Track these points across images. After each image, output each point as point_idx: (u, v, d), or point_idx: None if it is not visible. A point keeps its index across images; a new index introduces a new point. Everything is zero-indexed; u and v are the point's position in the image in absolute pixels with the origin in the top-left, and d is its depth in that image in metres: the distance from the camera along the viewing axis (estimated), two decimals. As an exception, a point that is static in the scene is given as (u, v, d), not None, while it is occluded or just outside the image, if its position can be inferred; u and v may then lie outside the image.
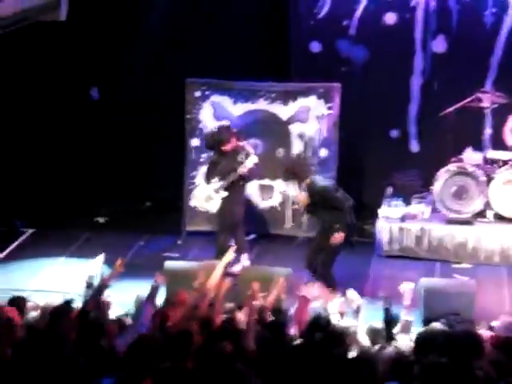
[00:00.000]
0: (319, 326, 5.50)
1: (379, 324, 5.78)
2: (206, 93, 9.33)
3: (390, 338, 5.61)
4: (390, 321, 5.84)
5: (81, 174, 10.13)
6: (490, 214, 8.73)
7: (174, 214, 9.41)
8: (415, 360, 4.91)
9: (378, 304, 6.50)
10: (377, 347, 5.42)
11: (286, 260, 8.06)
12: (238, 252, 7.70)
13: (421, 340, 5.21)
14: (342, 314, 6.01)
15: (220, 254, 7.28)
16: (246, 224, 8.56)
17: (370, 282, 8.05)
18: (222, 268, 6.34)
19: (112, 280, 6.05)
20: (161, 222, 9.59)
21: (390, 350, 5.18)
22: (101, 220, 9.83)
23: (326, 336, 5.29)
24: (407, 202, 9.12)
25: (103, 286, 5.97)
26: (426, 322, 6.74)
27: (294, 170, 7.71)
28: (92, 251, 7.87)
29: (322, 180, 7.80)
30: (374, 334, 5.68)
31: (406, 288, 6.22)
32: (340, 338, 5.29)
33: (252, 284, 5.96)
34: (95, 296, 5.90)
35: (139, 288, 6.65)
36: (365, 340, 5.63)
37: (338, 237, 7.50)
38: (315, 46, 9.66)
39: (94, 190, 9.99)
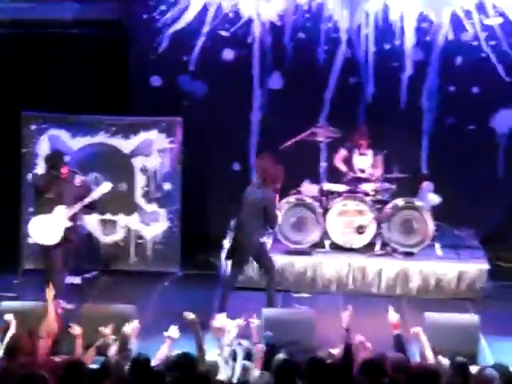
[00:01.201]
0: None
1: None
2: (43, 126, 9.20)
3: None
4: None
5: None
6: (326, 244, 9.02)
7: (10, 252, 9.13)
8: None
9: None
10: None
11: (130, 296, 8.03)
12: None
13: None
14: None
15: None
16: (90, 260, 8.44)
17: (214, 314, 8.09)
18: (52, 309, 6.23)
19: None
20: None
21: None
22: None
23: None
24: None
25: None
26: (271, 352, 6.89)
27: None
28: None
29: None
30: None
31: (254, 323, 6.36)
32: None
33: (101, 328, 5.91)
34: None
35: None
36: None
37: None
38: (156, 81, 9.73)
39: None
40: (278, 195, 8.07)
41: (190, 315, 6.18)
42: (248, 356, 6.06)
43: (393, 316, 6.26)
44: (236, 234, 8.04)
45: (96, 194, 8.10)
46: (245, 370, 5.76)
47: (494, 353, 7.24)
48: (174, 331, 6.15)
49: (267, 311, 7.52)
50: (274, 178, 7.95)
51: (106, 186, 8.18)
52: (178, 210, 9.26)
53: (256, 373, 5.72)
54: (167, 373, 5.37)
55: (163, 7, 9.56)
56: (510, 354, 7.00)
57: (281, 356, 5.85)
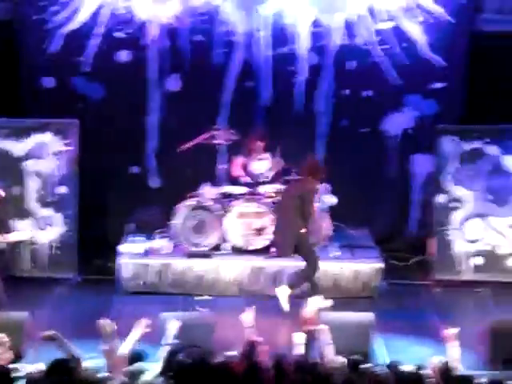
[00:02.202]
0: None
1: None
2: None
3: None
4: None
5: None
6: (226, 246, 9.04)
7: None
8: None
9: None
10: None
11: (25, 303, 7.78)
12: None
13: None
14: None
15: None
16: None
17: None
18: None
19: None
20: None
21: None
22: None
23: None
24: (149, 238, 9.19)
25: None
26: (170, 355, 6.86)
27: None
28: None
29: None
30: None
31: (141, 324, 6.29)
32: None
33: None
34: None
35: None
36: None
37: None
38: (48, 82, 9.53)
39: None
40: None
41: (46, 333, 6.00)
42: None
43: (311, 308, 6.25)
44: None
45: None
46: (137, 372, 5.72)
47: (388, 350, 7.39)
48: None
49: (166, 315, 7.49)
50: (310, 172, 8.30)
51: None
52: (74, 214, 9.09)
53: (150, 376, 5.67)
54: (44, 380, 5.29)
55: (55, 8, 9.34)
56: (404, 351, 7.23)
57: (180, 358, 5.86)
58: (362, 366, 5.82)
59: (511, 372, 6.79)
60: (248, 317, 6.30)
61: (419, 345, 7.41)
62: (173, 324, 6.57)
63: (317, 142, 9.83)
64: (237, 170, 9.27)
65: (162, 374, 5.73)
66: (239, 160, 9.28)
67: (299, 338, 6.24)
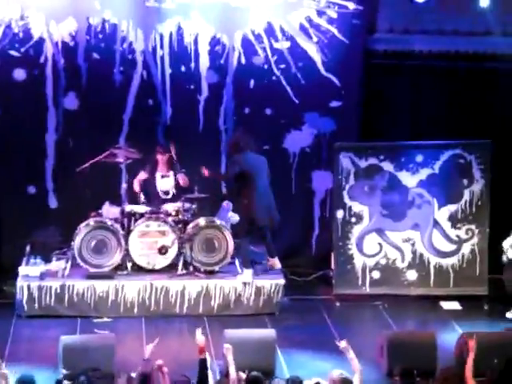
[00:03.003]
0: None
1: None
2: None
3: None
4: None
5: None
6: (128, 266, 8.92)
7: None
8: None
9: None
10: None
11: None
12: None
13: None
14: None
15: None
16: None
17: (8, 344, 7.79)
18: None
19: None
20: None
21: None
22: None
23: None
24: (47, 260, 8.99)
25: None
26: (67, 378, 6.72)
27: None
28: None
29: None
30: None
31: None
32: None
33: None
34: None
35: None
36: None
37: None
38: None
39: None
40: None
41: None
42: None
43: (200, 338, 6.23)
44: None
45: None
46: None
47: (289, 366, 7.46)
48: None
49: (65, 338, 7.34)
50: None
51: None
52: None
53: None
54: None
55: None
56: (305, 366, 7.30)
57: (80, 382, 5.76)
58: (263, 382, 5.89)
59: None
60: (152, 346, 6.22)
61: (320, 359, 7.50)
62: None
63: (221, 159, 9.85)
64: (136, 186, 9.20)
65: None
66: (142, 176, 9.21)
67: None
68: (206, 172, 8.91)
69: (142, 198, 9.18)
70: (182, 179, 9.14)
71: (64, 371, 6.90)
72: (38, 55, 9.38)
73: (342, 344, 6.23)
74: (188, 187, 9.15)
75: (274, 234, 9.37)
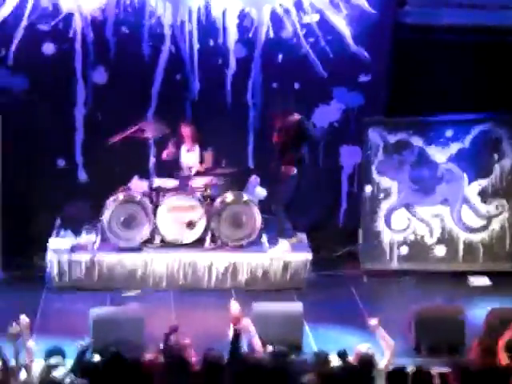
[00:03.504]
0: None
1: None
2: None
3: None
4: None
5: None
6: (157, 240, 8.97)
7: None
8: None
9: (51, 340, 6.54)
10: None
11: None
12: None
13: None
14: None
15: None
16: None
17: (38, 317, 7.88)
18: None
19: None
20: None
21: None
22: None
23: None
24: (77, 233, 9.07)
25: None
26: (98, 351, 6.80)
27: None
28: None
29: None
30: None
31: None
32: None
33: None
34: None
35: None
36: None
37: None
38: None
39: None
40: None
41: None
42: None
43: (235, 308, 6.26)
44: None
45: None
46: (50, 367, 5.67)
47: (317, 340, 7.51)
48: None
49: (95, 310, 7.43)
50: None
51: None
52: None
53: (61, 372, 5.63)
54: None
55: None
56: (332, 341, 7.31)
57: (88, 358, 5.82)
58: (291, 356, 5.92)
59: (436, 359, 7.01)
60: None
61: (347, 334, 7.52)
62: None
63: (248, 135, 9.85)
64: (165, 156, 9.20)
65: (71, 371, 5.70)
66: (170, 148, 9.18)
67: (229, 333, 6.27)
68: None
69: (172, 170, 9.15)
70: (210, 155, 9.13)
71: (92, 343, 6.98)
72: (67, 29, 9.40)
73: (373, 322, 6.22)
74: (212, 166, 9.15)
75: (301, 209, 9.40)
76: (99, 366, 5.70)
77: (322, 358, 5.80)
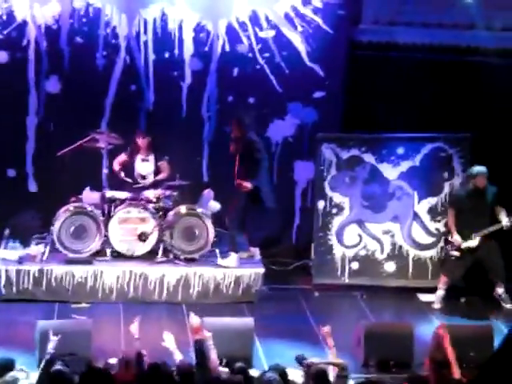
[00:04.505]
0: None
1: None
2: None
3: None
4: None
5: None
6: (108, 252, 8.91)
7: None
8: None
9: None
10: None
11: None
12: None
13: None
14: None
15: None
16: None
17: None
18: None
19: None
20: None
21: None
22: None
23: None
24: (26, 244, 8.96)
25: None
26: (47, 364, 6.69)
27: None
28: None
29: None
30: None
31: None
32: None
33: None
34: None
35: None
36: None
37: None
38: None
39: None
40: None
41: None
42: None
43: (195, 320, 6.23)
44: None
45: None
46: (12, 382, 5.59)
47: (267, 355, 7.49)
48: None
49: (42, 323, 7.32)
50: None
51: None
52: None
53: None
54: None
55: None
56: (282, 355, 7.29)
57: (57, 367, 5.74)
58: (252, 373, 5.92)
59: (385, 374, 7.05)
60: (134, 327, 6.24)
61: (298, 348, 7.51)
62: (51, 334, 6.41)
63: (203, 147, 9.84)
64: (117, 166, 9.15)
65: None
66: (121, 157, 9.18)
67: (170, 343, 6.26)
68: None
69: (123, 175, 9.10)
70: (164, 166, 9.11)
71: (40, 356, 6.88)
72: (21, 38, 9.34)
73: (326, 329, 6.27)
74: (168, 176, 9.14)
75: (253, 222, 9.41)
76: (73, 378, 5.59)
77: (283, 373, 5.81)
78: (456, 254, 8.78)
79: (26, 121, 9.54)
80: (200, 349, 6.01)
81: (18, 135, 9.51)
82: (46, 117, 9.53)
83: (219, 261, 8.86)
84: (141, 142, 9.09)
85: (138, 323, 6.31)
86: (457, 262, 8.81)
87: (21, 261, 8.65)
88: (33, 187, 9.67)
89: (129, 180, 9.11)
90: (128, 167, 9.16)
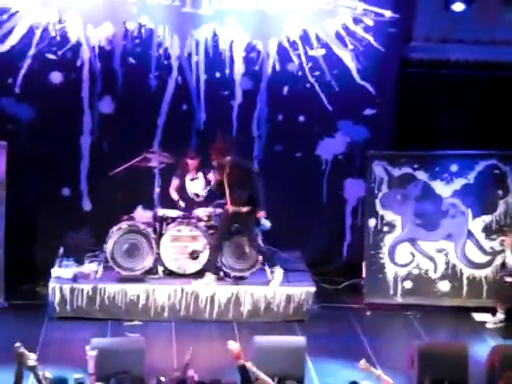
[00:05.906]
0: None
1: None
2: None
3: None
4: None
5: None
6: (160, 270, 8.96)
7: None
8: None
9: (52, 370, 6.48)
10: None
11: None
12: None
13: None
14: None
15: None
16: None
17: (39, 346, 7.84)
18: None
19: None
20: None
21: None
22: None
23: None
24: (79, 262, 9.06)
25: None
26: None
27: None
28: None
29: None
30: None
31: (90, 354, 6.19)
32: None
33: None
34: None
35: None
36: None
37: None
38: (-23, 104, 9.38)
39: None
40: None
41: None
42: None
43: (233, 346, 6.13)
44: None
45: None
46: None
47: (319, 374, 7.45)
48: None
49: (96, 341, 7.37)
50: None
51: None
52: (0, 238, 8.83)
53: None
54: None
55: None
56: (334, 374, 7.27)
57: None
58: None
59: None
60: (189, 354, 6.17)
61: (350, 368, 7.45)
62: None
63: (254, 165, 9.78)
64: (173, 194, 9.22)
65: None
66: (174, 183, 9.23)
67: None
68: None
69: (182, 204, 9.16)
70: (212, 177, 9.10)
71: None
72: (75, 59, 9.49)
73: (362, 364, 6.11)
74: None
75: (304, 241, 9.37)
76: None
77: None
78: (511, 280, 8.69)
79: (80, 140, 9.69)
80: (243, 374, 5.95)
81: (72, 155, 9.66)
82: (99, 136, 9.68)
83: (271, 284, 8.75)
84: (191, 163, 9.17)
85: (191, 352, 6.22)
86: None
87: (75, 279, 8.76)
88: (87, 206, 9.81)
89: (181, 202, 9.14)
90: (181, 190, 9.22)
